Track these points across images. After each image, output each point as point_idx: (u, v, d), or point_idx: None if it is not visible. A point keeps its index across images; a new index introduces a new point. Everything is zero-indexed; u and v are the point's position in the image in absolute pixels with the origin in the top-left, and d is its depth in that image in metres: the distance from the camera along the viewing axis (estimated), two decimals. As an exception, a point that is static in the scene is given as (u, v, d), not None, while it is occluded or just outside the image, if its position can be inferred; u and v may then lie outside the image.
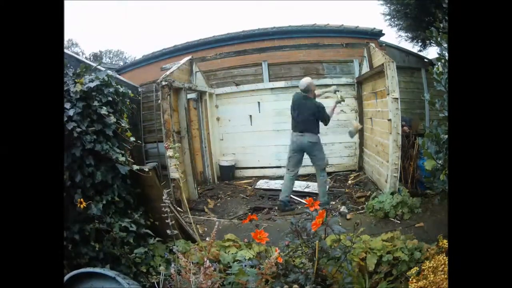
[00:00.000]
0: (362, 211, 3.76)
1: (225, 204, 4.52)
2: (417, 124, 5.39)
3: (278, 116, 5.64)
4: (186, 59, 5.55)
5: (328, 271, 1.72)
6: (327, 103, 5.57)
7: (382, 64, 3.89)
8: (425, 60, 6.97)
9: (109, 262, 2.18)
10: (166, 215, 2.03)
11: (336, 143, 5.67)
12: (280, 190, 4.18)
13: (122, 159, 2.34)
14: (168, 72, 4.59)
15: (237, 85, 6.01)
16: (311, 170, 5.63)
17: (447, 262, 1.65)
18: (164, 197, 2.06)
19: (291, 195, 4.23)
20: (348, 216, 3.60)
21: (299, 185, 4.92)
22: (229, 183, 5.51)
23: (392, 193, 3.59)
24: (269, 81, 6.09)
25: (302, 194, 4.51)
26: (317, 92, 4.15)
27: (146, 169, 2.43)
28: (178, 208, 2.90)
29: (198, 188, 5.13)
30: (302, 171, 5.64)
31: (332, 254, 1.72)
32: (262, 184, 5.19)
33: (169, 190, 2.91)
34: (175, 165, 3.08)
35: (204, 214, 4.12)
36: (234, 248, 2.41)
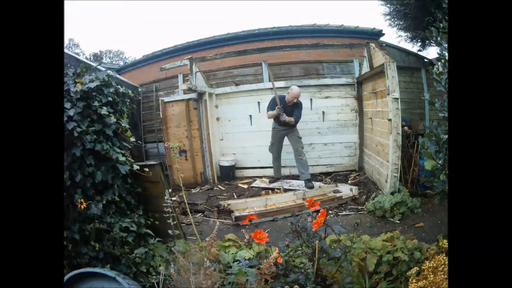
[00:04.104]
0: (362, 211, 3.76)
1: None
2: (417, 124, 5.38)
3: (278, 116, 5.62)
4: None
5: (328, 271, 1.72)
6: (328, 102, 5.64)
7: (382, 64, 3.88)
8: (425, 60, 6.96)
9: (109, 262, 2.18)
10: (168, 215, 2.03)
11: (336, 143, 5.66)
12: (279, 189, 4.16)
13: (122, 159, 2.34)
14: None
15: (237, 85, 6.01)
16: (312, 170, 5.66)
17: (447, 262, 1.65)
18: (166, 197, 2.06)
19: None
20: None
21: (299, 185, 4.92)
22: (229, 183, 5.51)
23: (392, 193, 3.59)
24: (269, 81, 6.08)
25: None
26: None
27: (149, 166, 2.43)
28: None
29: (198, 188, 5.13)
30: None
31: (332, 254, 1.72)
32: (259, 183, 5.20)
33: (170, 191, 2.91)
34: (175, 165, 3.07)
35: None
36: (234, 248, 2.41)
